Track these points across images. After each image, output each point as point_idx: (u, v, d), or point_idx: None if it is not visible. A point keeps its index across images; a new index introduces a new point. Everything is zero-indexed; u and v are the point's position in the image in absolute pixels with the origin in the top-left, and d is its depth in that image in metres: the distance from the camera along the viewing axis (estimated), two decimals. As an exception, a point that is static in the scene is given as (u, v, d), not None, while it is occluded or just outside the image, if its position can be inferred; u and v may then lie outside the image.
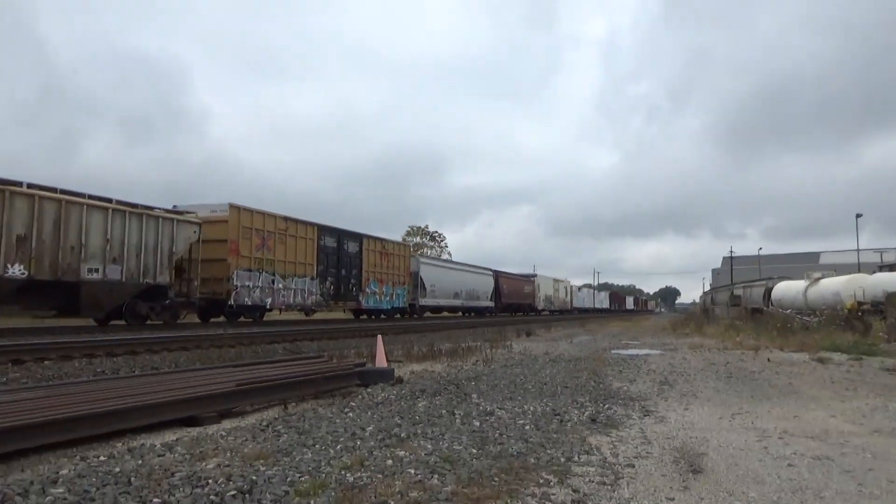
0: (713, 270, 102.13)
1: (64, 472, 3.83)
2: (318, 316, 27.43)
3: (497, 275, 47.71)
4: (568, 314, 64.26)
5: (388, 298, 30.99)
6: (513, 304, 50.76)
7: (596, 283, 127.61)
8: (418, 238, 75.59)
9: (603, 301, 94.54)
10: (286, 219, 23.44)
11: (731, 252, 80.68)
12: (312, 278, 24.76)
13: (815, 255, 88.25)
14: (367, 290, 29.00)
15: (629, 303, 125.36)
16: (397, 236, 75.77)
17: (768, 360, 12.25)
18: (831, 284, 26.24)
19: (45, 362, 9.84)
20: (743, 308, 35.60)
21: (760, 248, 79.94)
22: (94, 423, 4.96)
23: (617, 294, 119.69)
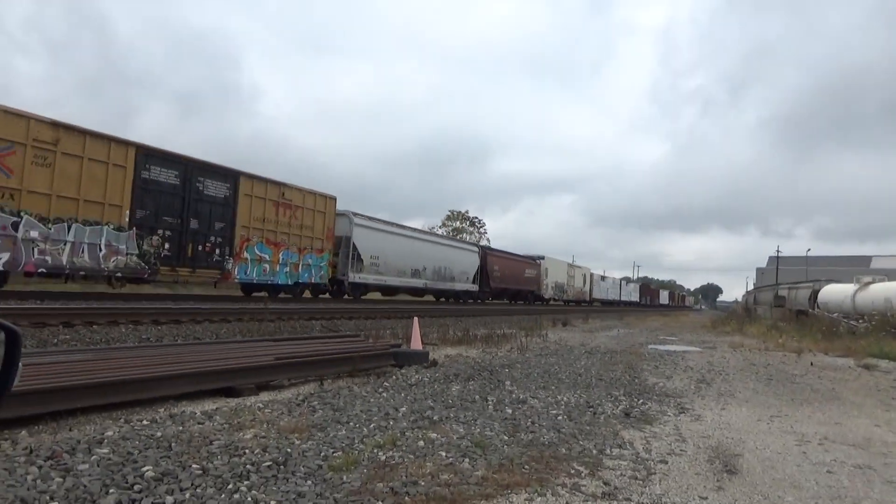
0: (758, 269, 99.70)
1: (109, 433, 3.98)
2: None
3: (486, 252, 39.22)
4: (585, 305, 57.52)
5: (288, 270, 21.55)
6: (508, 289, 42.30)
7: (636, 277, 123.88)
8: (458, 223, 75.43)
9: (631, 293, 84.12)
10: (58, 126, 14.24)
11: (778, 251, 78.81)
12: (120, 229, 15.70)
13: (865, 259, 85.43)
14: (247, 254, 19.74)
15: (663, 297, 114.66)
16: (437, 221, 75.54)
17: (811, 363, 11.93)
18: (882, 290, 25.35)
19: (94, 326, 10.19)
20: (787, 309, 34.71)
21: (809, 249, 77.80)
22: (139, 387, 5.13)
23: (649, 287, 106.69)
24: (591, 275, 63.99)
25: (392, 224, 29.97)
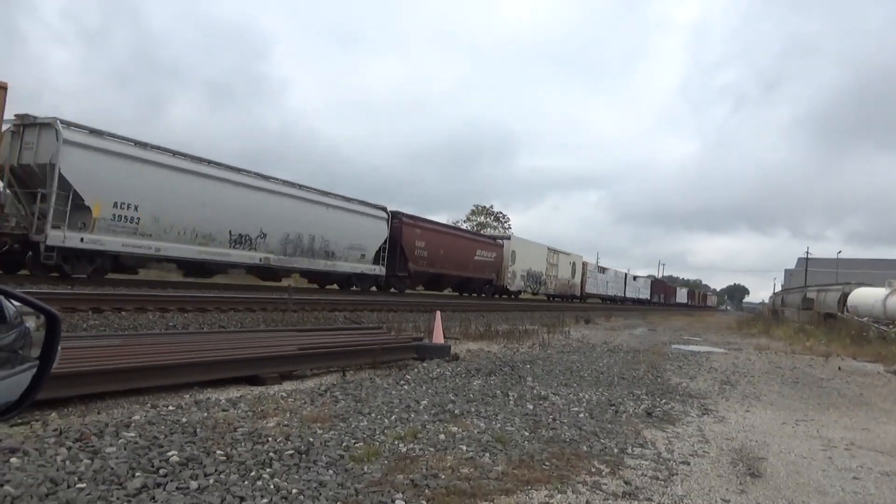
0: (786, 271, 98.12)
1: (136, 417, 4.05)
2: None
3: (402, 221, 26.83)
4: (575, 302, 45.76)
5: None
6: (445, 276, 30.47)
7: (660, 275, 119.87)
8: (482, 217, 75.24)
9: (641, 290, 71.92)
10: None
11: (808, 253, 77.44)
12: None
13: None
14: None
15: (681, 295, 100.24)
16: (462, 215, 75.24)
17: (839, 368, 11.72)
18: (915, 294, 24.76)
19: (122, 313, 10.38)
20: (815, 312, 34.10)
21: (840, 251, 76.28)
22: (165, 373, 5.21)
23: (663, 283, 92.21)
24: (585, 264, 51.72)
25: (174, 154, 17.30)
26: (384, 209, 26.14)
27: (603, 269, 58.58)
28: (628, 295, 64.67)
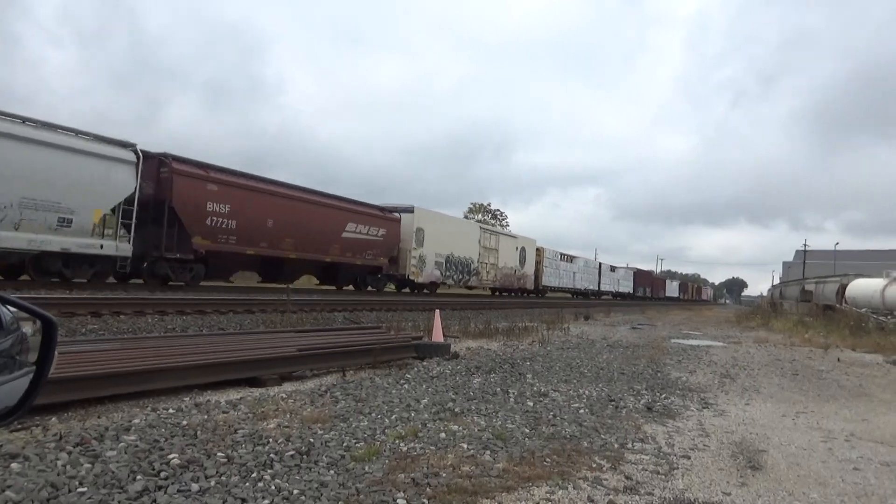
0: (784, 263, 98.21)
1: (136, 421, 4.05)
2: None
3: (172, 170, 16.78)
4: (529, 297, 39.28)
5: None
6: (288, 260, 20.97)
7: (659, 270, 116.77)
8: (479, 215, 75.31)
9: (621, 282, 62.93)
10: None
11: (805, 245, 77.47)
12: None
13: (895, 253, 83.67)
14: None
15: (672, 289, 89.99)
16: (460, 213, 75.12)
17: (838, 359, 11.74)
18: (912, 284, 24.81)
19: (121, 316, 10.37)
20: (814, 304, 34.18)
21: (837, 243, 76.41)
22: (165, 376, 5.21)
23: (649, 275, 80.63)
24: (541, 250, 42.28)
25: None
26: (131, 147, 15.90)
27: (570, 258, 49.07)
28: (604, 288, 56.88)
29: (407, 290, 28.55)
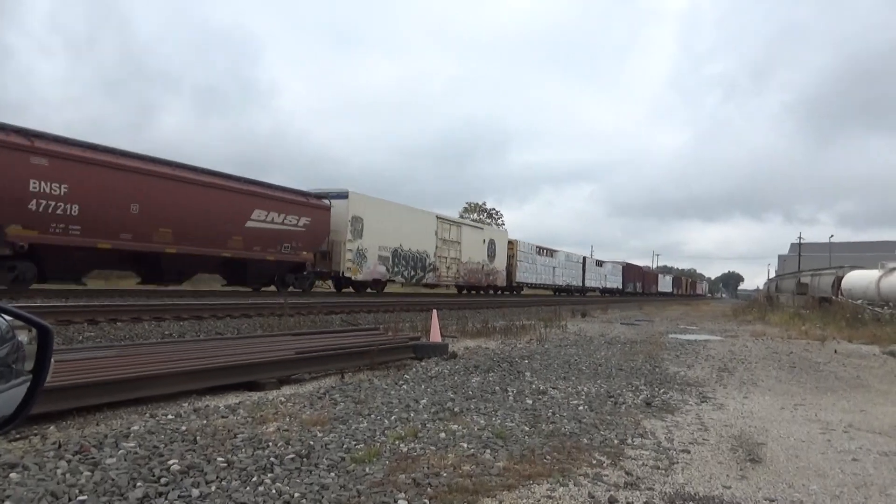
0: (780, 256, 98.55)
1: (135, 427, 4.04)
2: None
3: None
4: (501, 296, 35.85)
5: None
6: (168, 257, 17.12)
7: (655, 266, 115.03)
8: (475, 214, 75.32)
9: (609, 277, 59.15)
10: None
11: (800, 238, 77.83)
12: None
13: (890, 244, 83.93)
14: None
15: (664, 283, 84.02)
16: (455, 213, 75.09)
17: (835, 351, 11.79)
18: (908, 275, 24.90)
19: (118, 323, 10.34)
20: (810, 296, 34.26)
21: (832, 235, 76.66)
22: (163, 383, 5.20)
23: (639, 270, 75.12)
24: (513, 243, 39.22)
25: None
26: None
27: (549, 252, 45.55)
28: (589, 284, 53.56)
29: (351, 290, 25.05)
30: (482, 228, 36.82)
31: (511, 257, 39.03)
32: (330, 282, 25.28)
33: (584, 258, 54.05)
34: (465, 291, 34.89)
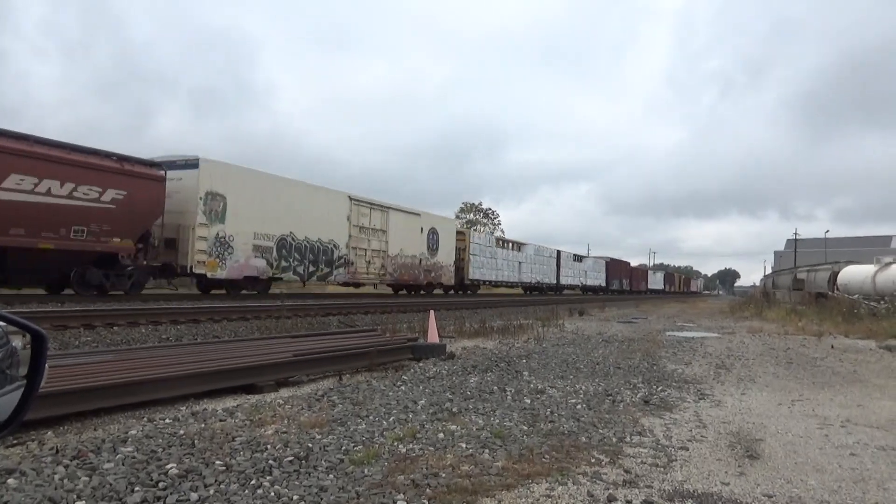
0: (776, 253, 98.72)
1: (133, 432, 4.03)
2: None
3: None
4: (449, 297, 30.76)
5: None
6: None
7: (651, 264, 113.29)
8: (471, 215, 75.33)
9: (589, 274, 53.94)
10: None
11: (796, 234, 78.00)
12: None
13: (886, 239, 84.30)
14: None
15: (655, 280, 76.54)
16: (452, 213, 75.06)
17: (832, 346, 11.82)
18: (903, 270, 24.98)
19: (115, 328, 10.32)
20: (806, 292, 34.35)
21: (827, 231, 76.85)
22: (160, 386, 5.18)
23: (626, 266, 68.46)
24: (466, 234, 34.38)
25: None
26: None
27: (516, 245, 41.01)
28: (566, 281, 48.36)
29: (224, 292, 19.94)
30: (419, 215, 29.48)
31: (462, 250, 33.35)
32: (193, 281, 19.67)
33: (559, 252, 48.19)
34: (411, 292, 30.01)
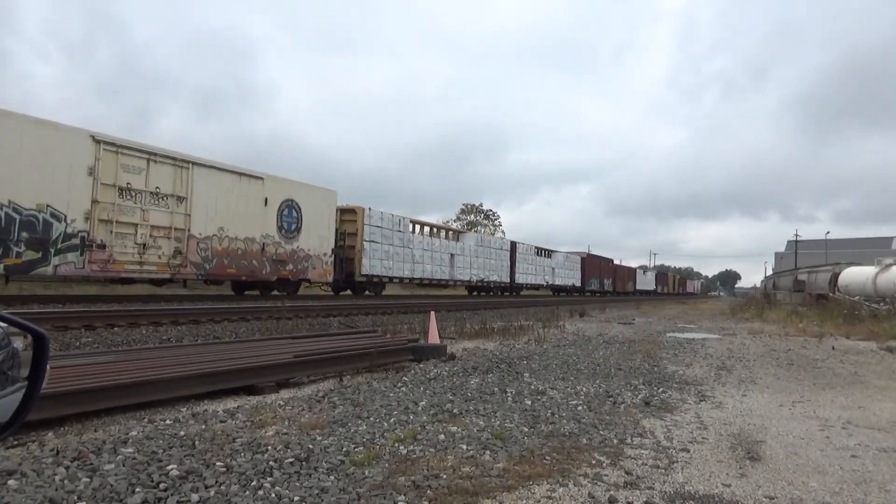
0: (776, 254, 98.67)
1: (133, 433, 4.03)
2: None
3: None
4: (363, 298, 23.54)
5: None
6: None
7: (652, 264, 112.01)
8: (472, 216, 75.24)
9: (560, 272, 46.46)
10: None
11: (797, 235, 77.97)
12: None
13: (886, 241, 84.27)
14: None
15: (645, 281, 71.05)
16: (453, 214, 74.59)
17: (833, 347, 11.81)
18: (904, 271, 24.95)
19: (115, 329, 10.32)
20: (807, 294, 34.33)
21: (828, 232, 76.80)
22: (161, 387, 5.18)
23: (608, 263, 60.98)
24: (359, 212, 24.50)
25: None
26: None
27: (454, 234, 34.82)
28: (524, 280, 40.67)
29: None
30: (261, 179, 19.52)
31: (351, 235, 24.28)
32: None
33: (514, 244, 39.67)
34: (241, 288, 21.43)
